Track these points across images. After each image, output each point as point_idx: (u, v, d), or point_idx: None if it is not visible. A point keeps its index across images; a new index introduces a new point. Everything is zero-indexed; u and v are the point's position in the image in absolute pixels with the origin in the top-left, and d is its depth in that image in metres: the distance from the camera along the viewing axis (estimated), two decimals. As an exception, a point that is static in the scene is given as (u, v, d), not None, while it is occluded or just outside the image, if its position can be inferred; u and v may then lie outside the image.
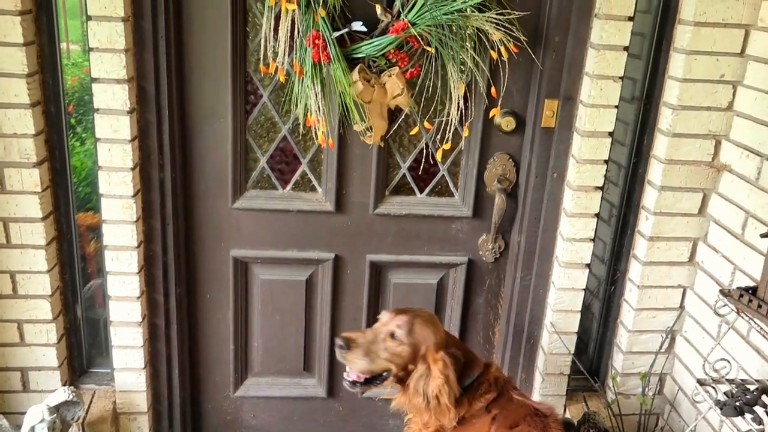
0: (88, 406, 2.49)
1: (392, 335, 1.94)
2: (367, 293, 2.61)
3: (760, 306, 1.85)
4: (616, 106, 2.31)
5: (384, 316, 2.02)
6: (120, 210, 2.29)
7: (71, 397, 2.27)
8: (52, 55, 2.20)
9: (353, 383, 1.99)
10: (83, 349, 2.58)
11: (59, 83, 2.24)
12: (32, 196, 2.21)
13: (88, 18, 2.08)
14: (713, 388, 2.07)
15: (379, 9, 2.17)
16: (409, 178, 2.50)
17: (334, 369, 2.72)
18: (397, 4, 2.16)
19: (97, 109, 2.18)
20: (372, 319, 2.65)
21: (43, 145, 2.22)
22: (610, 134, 2.34)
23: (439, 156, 2.43)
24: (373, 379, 1.98)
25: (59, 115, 2.26)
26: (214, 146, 2.37)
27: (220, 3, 2.21)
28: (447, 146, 2.37)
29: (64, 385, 2.46)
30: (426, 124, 2.37)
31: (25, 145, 2.15)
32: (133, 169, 2.25)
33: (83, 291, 2.52)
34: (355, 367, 1.95)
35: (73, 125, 2.40)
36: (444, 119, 2.33)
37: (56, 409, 2.23)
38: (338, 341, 1.95)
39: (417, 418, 2.02)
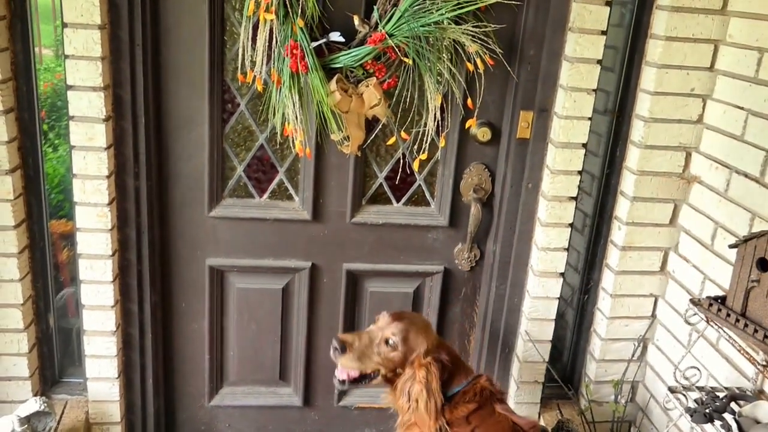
0: (60, 417, 2.45)
1: (387, 341, 2.00)
2: (343, 302, 2.61)
3: (728, 315, 1.89)
4: (590, 118, 2.35)
5: (382, 319, 2.07)
6: (95, 218, 2.27)
7: (43, 407, 2.24)
8: (26, 62, 2.18)
9: (342, 382, 2.05)
10: (55, 359, 2.55)
11: (33, 90, 2.22)
12: (4, 203, 2.18)
13: (64, 25, 2.06)
14: (684, 395, 2.11)
15: (356, 20, 2.18)
16: (386, 188, 2.52)
17: (310, 378, 2.72)
18: (375, 15, 2.17)
19: (73, 117, 2.16)
20: (348, 328, 2.65)
21: (16, 152, 2.20)
22: (584, 146, 2.38)
23: (415, 166, 2.44)
24: (363, 378, 2.05)
25: (33, 121, 2.24)
26: (190, 155, 2.37)
27: (197, 12, 2.20)
28: (423, 156, 2.39)
29: (35, 395, 2.42)
30: (403, 134, 2.39)
31: (-2, 153, 2.13)
32: (108, 177, 2.23)
33: (56, 300, 2.49)
34: (346, 368, 2.02)
35: (46, 131, 2.37)
36: (421, 129, 2.35)
37: (27, 420, 2.20)
38: (334, 343, 2.00)
39: (404, 419, 2.04)
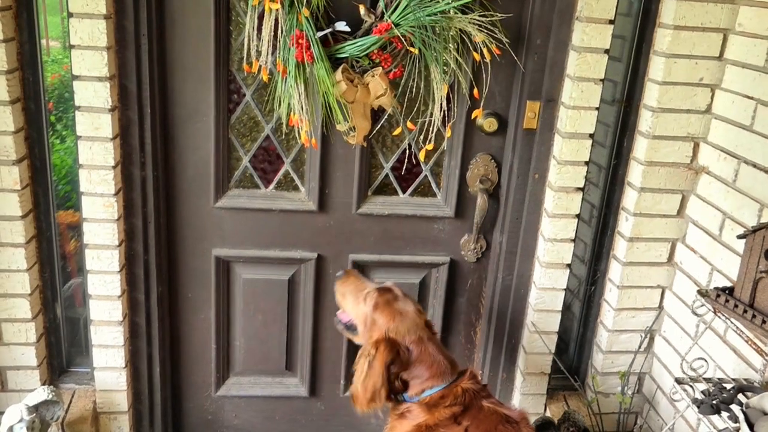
0: (68, 406, 2.47)
1: (367, 297, 2.05)
2: (349, 293, 2.61)
3: (736, 306, 1.88)
4: (597, 108, 2.33)
5: (390, 283, 2.12)
6: (101, 208, 2.27)
7: (51, 396, 2.25)
8: (33, 52, 2.18)
9: (341, 324, 2.18)
10: (63, 348, 2.56)
11: (39, 80, 2.22)
12: (11, 194, 2.19)
13: (70, 15, 2.06)
14: (691, 386, 2.10)
15: (362, 9, 2.17)
16: (392, 178, 2.51)
17: (317, 368, 2.72)
18: (381, 4, 2.16)
19: (79, 107, 2.16)
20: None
21: (23, 142, 2.20)
22: (591, 136, 2.36)
23: (421, 156, 2.44)
24: (350, 327, 2.15)
25: (39, 112, 2.24)
26: (196, 145, 2.37)
27: (202, 1, 2.20)
28: (430, 147, 2.38)
29: (43, 384, 2.43)
30: (409, 125, 2.38)
31: (5, 143, 2.13)
32: (114, 167, 2.24)
33: (63, 290, 2.50)
34: (337, 299, 2.16)
35: (53, 122, 2.38)
36: (427, 120, 2.35)
37: (35, 409, 2.21)
38: (339, 273, 2.19)
39: (394, 423, 2.00)
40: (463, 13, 2.17)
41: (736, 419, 1.90)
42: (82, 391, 2.54)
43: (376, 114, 2.38)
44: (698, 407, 1.97)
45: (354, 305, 2.08)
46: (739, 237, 1.91)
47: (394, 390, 1.93)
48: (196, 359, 2.65)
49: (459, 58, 2.23)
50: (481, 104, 2.36)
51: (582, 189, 2.43)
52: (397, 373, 1.92)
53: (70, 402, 2.49)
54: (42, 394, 2.25)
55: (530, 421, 2.00)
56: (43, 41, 2.24)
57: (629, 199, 2.45)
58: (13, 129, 2.13)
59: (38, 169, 2.29)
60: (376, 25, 2.16)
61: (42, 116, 2.25)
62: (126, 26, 2.14)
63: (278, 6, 2.08)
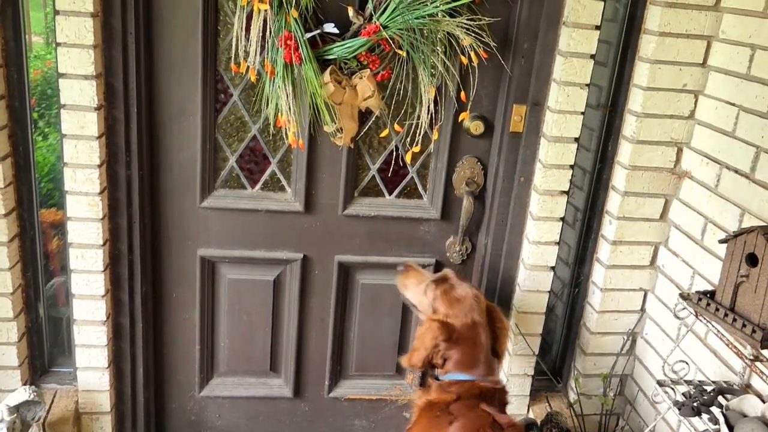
0: (50, 406, 2.44)
1: (427, 289, 2.15)
2: (335, 294, 2.62)
3: (717, 309, 1.91)
4: (583, 113, 2.35)
5: (447, 271, 2.22)
6: (85, 207, 2.25)
7: (32, 396, 2.23)
8: (17, 49, 2.16)
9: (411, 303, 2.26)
10: (45, 348, 2.54)
11: (24, 77, 2.20)
12: (-5, 192, 2.17)
13: (56, 12, 2.04)
14: (672, 389, 2.13)
15: (351, 11, 2.18)
16: (379, 180, 2.52)
17: (301, 369, 2.72)
18: (369, 6, 2.17)
19: (64, 105, 2.14)
20: (339, 320, 2.66)
21: (7, 140, 2.18)
22: (576, 140, 2.38)
23: (408, 158, 2.45)
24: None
25: (24, 109, 2.22)
26: (182, 144, 2.36)
27: (190, 1, 2.19)
28: (416, 149, 2.39)
29: (24, 384, 2.41)
30: (396, 127, 2.39)
31: (-12, 140, 2.11)
32: (99, 166, 2.22)
33: (45, 289, 2.48)
34: (400, 290, 2.27)
35: (36, 119, 2.35)
36: (414, 122, 2.35)
37: (16, 409, 2.19)
38: (400, 267, 2.29)
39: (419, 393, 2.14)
40: (451, 16, 2.18)
41: (716, 421, 1.92)
42: (64, 392, 2.51)
43: (364, 116, 2.38)
44: (679, 409, 1.99)
45: (416, 296, 2.20)
46: (721, 242, 1.93)
47: (435, 365, 2.07)
48: (180, 360, 2.64)
49: (447, 61, 2.24)
50: (468, 107, 2.38)
51: (567, 192, 2.45)
52: (443, 351, 2.03)
53: (52, 402, 2.47)
54: (23, 394, 2.23)
55: (519, 428, 2.02)
56: (27, 37, 2.22)
57: (613, 202, 2.48)
58: (-4, 126, 2.11)
59: (22, 166, 2.27)
60: (365, 27, 2.16)
61: (26, 114, 2.23)
62: (113, 24, 2.12)
63: (267, 7, 2.08)
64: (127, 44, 2.16)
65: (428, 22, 2.15)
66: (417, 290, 2.20)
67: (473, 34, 2.19)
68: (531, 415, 2.71)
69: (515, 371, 2.66)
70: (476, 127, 2.42)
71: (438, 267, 2.63)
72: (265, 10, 2.09)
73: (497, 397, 2.03)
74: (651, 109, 2.33)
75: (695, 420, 2.25)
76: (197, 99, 2.30)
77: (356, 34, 2.19)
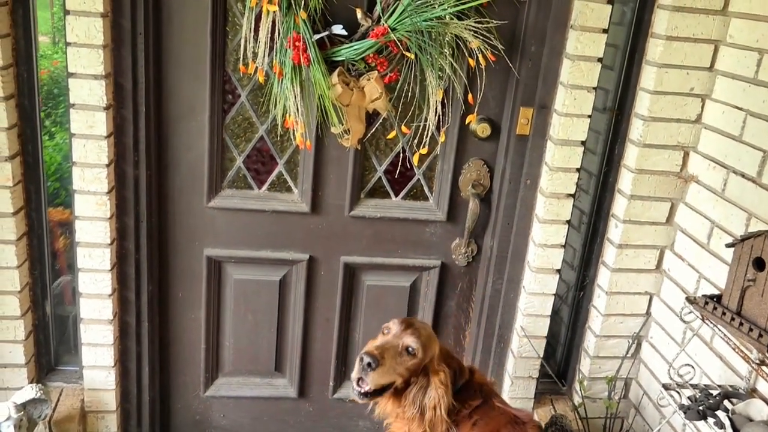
0: (56, 404, 2.45)
1: (407, 349, 1.93)
2: (340, 295, 2.62)
3: (724, 313, 1.91)
4: (589, 116, 2.36)
5: (393, 327, 1.99)
6: (93, 206, 2.26)
7: (39, 394, 2.24)
8: (27, 48, 2.17)
9: (364, 394, 1.93)
10: (51, 346, 2.54)
11: (34, 77, 2.21)
12: (3, 190, 2.18)
13: (66, 12, 2.06)
14: (677, 392, 2.13)
15: (359, 13, 2.18)
16: (385, 182, 2.52)
17: (306, 370, 2.73)
18: (378, 8, 2.18)
19: (73, 105, 2.15)
20: (345, 321, 2.66)
21: (16, 139, 2.19)
22: (583, 143, 2.39)
23: (415, 160, 2.45)
24: (382, 390, 1.94)
25: (33, 109, 2.23)
26: (190, 144, 2.37)
27: (200, 2, 2.20)
28: (423, 151, 2.39)
29: (31, 382, 2.42)
30: (403, 129, 2.39)
31: (-2, 139, 2.12)
32: (108, 165, 2.23)
33: (52, 287, 2.49)
34: (372, 383, 1.90)
35: (43, 118, 2.36)
36: (421, 124, 2.36)
37: (23, 407, 2.20)
38: (366, 359, 1.88)
39: (400, 424, 2.01)
40: (459, 19, 2.19)
41: (722, 425, 1.93)
42: (70, 390, 2.52)
43: (371, 117, 2.39)
44: (684, 413, 1.99)
45: (399, 366, 1.93)
46: (728, 246, 1.94)
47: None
48: (186, 359, 2.65)
49: (454, 64, 2.25)
50: (475, 109, 2.38)
51: (573, 195, 2.46)
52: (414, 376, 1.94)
53: (58, 400, 2.48)
54: (30, 392, 2.24)
55: (539, 424, 2.03)
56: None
57: (619, 206, 2.48)
58: (6, 125, 2.12)
59: (30, 165, 2.28)
60: (373, 29, 2.17)
61: (36, 113, 2.24)
62: (123, 25, 2.14)
63: (276, 8, 2.08)
64: (137, 44, 2.17)
65: (436, 24, 2.16)
66: (396, 353, 1.93)
67: (481, 37, 2.20)
68: (535, 418, 2.71)
69: (520, 374, 2.66)
70: (483, 129, 2.42)
71: (443, 268, 2.64)
72: (274, 12, 2.10)
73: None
74: (658, 112, 2.33)
75: (701, 424, 2.25)
76: (205, 99, 2.31)
77: (364, 36, 2.20)
